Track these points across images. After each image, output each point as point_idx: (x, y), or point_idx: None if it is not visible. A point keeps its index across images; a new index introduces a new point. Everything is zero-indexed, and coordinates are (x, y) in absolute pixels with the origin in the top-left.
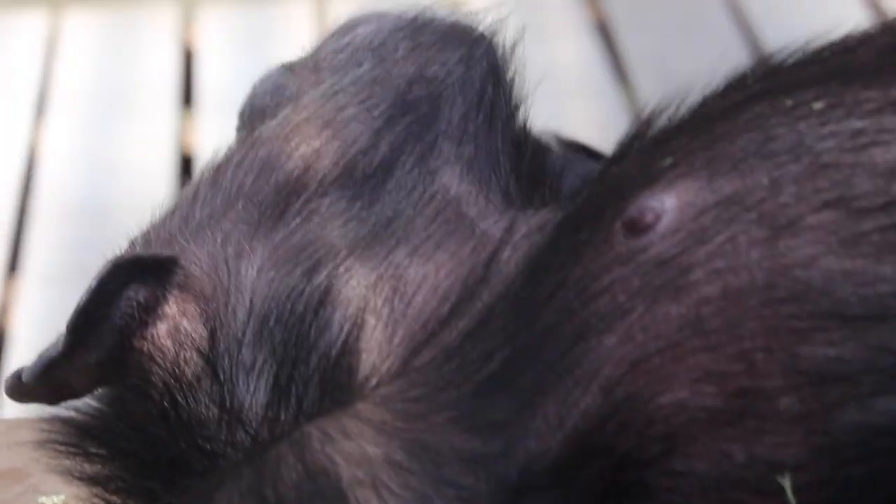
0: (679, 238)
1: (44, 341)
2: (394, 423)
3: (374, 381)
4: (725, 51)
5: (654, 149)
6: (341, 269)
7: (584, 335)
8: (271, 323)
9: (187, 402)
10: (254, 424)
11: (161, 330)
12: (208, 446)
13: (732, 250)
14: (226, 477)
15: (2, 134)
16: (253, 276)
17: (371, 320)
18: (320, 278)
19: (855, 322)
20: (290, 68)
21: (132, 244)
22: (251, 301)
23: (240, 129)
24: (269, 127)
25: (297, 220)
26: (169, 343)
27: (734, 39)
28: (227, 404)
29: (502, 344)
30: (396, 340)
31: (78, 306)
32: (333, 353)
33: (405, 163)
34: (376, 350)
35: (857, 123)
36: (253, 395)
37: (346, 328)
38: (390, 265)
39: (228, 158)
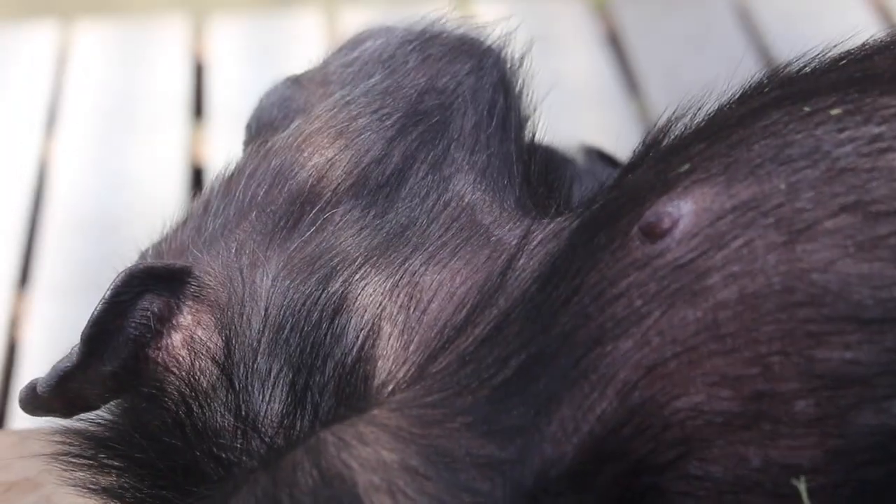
0: (696, 243)
1: (55, 353)
2: (410, 429)
3: (390, 388)
4: (736, 62)
5: (670, 155)
6: (357, 276)
7: (599, 340)
8: (286, 331)
9: (203, 411)
10: (269, 433)
11: (176, 340)
12: (224, 455)
13: (749, 254)
14: (241, 483)
15: (12, 146)
16: (268, 284)
17: (387, 327)
18: (336, 286)
19: (871, 325)
20: (296, 81)
21: (143, 255)
22: (266, 310)
23: (246, 142)
24: (281, 138)
25: (312, 229)
26: (184, 353)
27: (745, 50)
28: (243, 413)
29: (518, 349)
30: (412, 347)
31: (92, 317)
32: (349, 360)
33: (419, 171)
34: (392, 357)
35: (875, 129)
36: (268, 403)
37: (361, 335)
38: (406, 272)
39: (240, 169)
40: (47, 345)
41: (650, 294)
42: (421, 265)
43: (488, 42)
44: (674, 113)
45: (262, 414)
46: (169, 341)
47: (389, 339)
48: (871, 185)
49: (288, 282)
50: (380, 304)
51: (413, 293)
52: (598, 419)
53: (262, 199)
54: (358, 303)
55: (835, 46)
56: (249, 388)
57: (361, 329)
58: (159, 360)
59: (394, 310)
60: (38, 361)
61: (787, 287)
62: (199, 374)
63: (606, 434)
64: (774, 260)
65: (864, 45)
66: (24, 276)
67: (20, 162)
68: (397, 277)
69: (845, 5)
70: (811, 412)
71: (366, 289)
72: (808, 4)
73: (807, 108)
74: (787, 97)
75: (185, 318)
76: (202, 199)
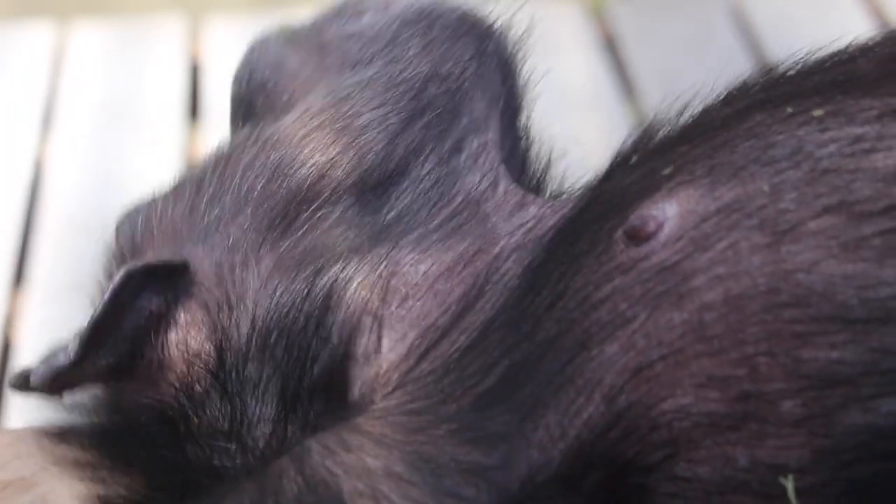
0: (680, 245)
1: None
2: (393, 436)
3: (374, 394)
4: (732, 65)
5: (655, 157)
6: (344, 274)
7: (585, 345)
8: (274, 336)
9: (197, 416)
10: (262, 439)
11: (171, 339)
12: (217, 462)
13: (734, 256)
14: (228, 492)
15: (8, 146)
16: (256, 286)
17: (373, 329)
18: (322, 285)
19: (856, 325)
20: (289, 40)
21: (130, 216)
22: (254, 313)
23: (235, 99)
24: (282, 127)
25: (305, 227)
26: (178, 354)
27: (740, 54)
28: (237, 418)
29: (501, 356)
30: (397, 350)
31: (91, 318)
32: (335, 365)
33: (423, 164)
34: (377, 361)
35: (857, 130)
36: (261, 408)
37: (347, 340)
38: (395, 270)
39: (237, 156)
40: (41, 343)
41: (635, 297)
42: (412, 262)
43: (488, 23)
44: (659, 114)
45: (255, 419)
46: (164, 340)
47: (375, 341)
48: (854, 186)
49: (276, 282)
50: (366, 303)
51: (399, 292)
52: (584, 424)
53: (260, 193)
54: (344, 302)
55: (820, 49)
56: (242, 394)
57: (347, 331)
58: (154, 358)
59: (380, 310)
60: (32, 360)
61: (773, 288)
62: (193, 378)
63: (594, 439)
64: (759, 261)
65: (847, 47)
66: (20, 276)
67: (16, 161)
68: (385, 275)
69: (842, 8)
70: (798, 412)
71: (352, 287)
72: (805, 8)
73: (789, 110)
74: (771, 99)
75: (180, 316)
76: (196, 175)
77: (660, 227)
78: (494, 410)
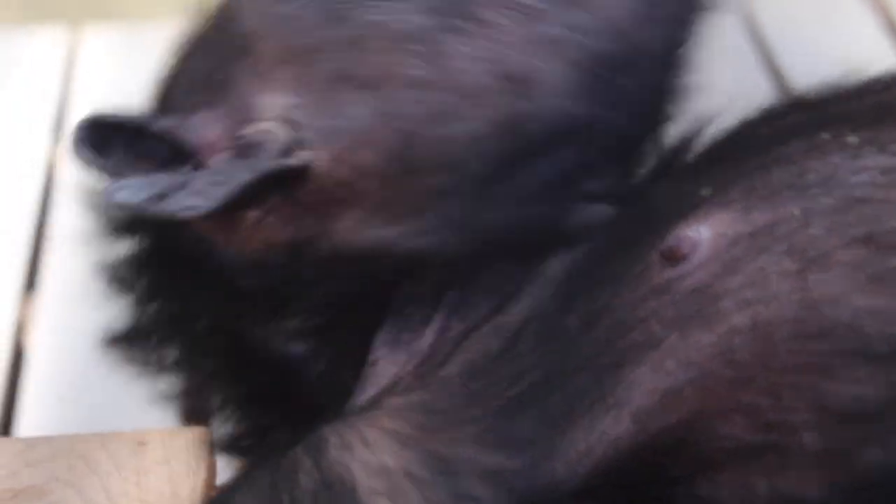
0: (713, 267)
1: (62, 358)
2: (413, 434)
3: (396, 389)
4: (736, 66)
5: (691, 177)
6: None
7: (619, 365)
8: (347, 271)
9: (248, 290)
10: (287, 337)
11: (253, 216)
12: (252, 335)
13: (762, 281)
14: (242, 484)
15: (20, 151)
16: (357, 216)
17: (430, 305)
18: (415, 251)
19: (879, 360)
20: None
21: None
22: (341, 239)
23: None
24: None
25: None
26: (253, 232)
27: (745, 54)
28: (275, 309)
29: (532, 367)
30: (427, 346)
31: (209, 204)
32: (381, 317)
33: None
34: (406, 352)
35: (889, 160)
36: (299, 315)
37: (408, 305)
38: (471, 265)
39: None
40: (54, 350)
41: (668, 319)
42: (487, 247)
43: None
44: (691, 131)
45: (292, 316)
46: (248, 213)
47: (426, 316)
48: (883, 217)
49: (379, 221)
50: (439, 283)
51: (464, 287)
52: (612, 443)
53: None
54: (423, 272)
55: (855, 74)
56: (290, 291)
57: (415, 299)
58: (234, 222)
59: (446, 287)
60: (44, 367)
61: (799, 317)
62: (257, 257)
63: (620, 457)
64: (787, 288)
65: (884, 75)
66: (31, 281)
67: (28, 166)
68: (465, 255)
69: (847, 10)
70: (819, 446)
71: (434, 264)
72: (809, 10)
73: (825, 135)
74: (807, 123)
75: (273, 203)
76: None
77: (694, 248)
78: (520, 418)
